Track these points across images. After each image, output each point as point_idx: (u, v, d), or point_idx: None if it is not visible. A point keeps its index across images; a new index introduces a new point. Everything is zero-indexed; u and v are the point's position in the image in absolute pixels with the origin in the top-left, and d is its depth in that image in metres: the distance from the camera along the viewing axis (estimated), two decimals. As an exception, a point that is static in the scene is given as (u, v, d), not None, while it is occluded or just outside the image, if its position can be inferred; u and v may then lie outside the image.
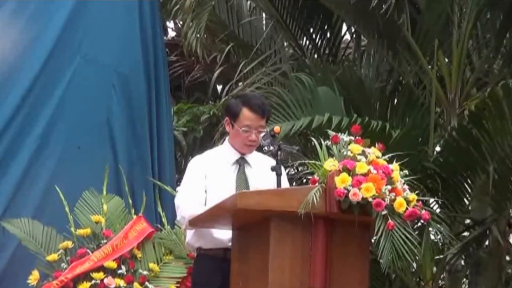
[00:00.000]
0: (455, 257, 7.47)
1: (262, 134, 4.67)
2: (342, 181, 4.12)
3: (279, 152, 4.58)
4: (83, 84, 6.12)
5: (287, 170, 6.35)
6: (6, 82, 5.96)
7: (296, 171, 8.64)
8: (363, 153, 4.27)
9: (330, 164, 4.22)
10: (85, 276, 5.32)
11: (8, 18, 6.06)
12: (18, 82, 5.97)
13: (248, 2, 8.77)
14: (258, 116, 4.74)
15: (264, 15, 8.78)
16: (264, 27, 8.74)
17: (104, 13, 6.24)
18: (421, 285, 7.22)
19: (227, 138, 4.92)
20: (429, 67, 7.40)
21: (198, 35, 7.81)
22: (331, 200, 4.15)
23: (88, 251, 5.45)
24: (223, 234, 4.63)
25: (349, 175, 4.14)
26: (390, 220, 4.08)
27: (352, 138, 4.33)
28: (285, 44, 8.74)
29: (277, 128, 4.73)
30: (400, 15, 7.33)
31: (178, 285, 5.53)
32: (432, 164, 6.84)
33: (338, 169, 4.18)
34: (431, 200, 6.39)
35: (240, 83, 8.50)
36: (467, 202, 7.12)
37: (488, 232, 7.24)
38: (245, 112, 4.74)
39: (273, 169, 4.57)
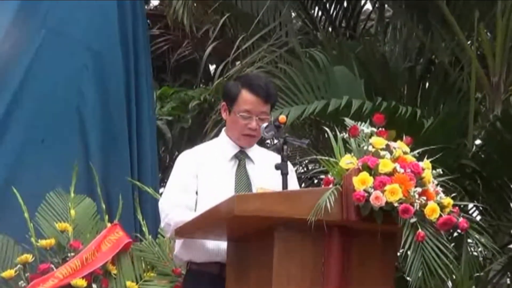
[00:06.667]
0: (499, 274, 7.49)
1: (265, 125, 4.64)
2: (362, 182, 4.10)
3: (285, 147, 4.55)
4: (48, 63, 6.14)
5: (295, 168, 6.33)
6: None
7: (305, 169, 8.65)
8: (388, 148, 4.26)
9: (347, 161, 4.21)
10: (48, 296, 5.33)
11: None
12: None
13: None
14: (260, 100, 4.72)
15: (267, -21, 8.78)
16: (267, -5, 8.74)
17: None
18: (457, 308, 7.24)
19: (223, 129, 4.91)
20: (468, 43, 7.39)
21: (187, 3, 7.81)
22: (349, 205, 4.13)
23: (52, 266, 5.45)
24: (218, 245, 4.61)
25: (370, 174, 4.13)
26: (420, 230, 4.07)
27: (374, 129, 4.32)
28: (293, 15, 8.73)
29: (282, 118, 4.69)
30: (433, -20, 7.34)
31: (162, 307, 5.56)
32: (471, 161, 6.85)
33: (357, 167, 4.17)
34: (470, 205, 6.40)
35: (238, 62, 8.49)
36: (513, 208, 7.15)
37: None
38: (245, 94, 4.73)
39: (277, 167, 4.53)
